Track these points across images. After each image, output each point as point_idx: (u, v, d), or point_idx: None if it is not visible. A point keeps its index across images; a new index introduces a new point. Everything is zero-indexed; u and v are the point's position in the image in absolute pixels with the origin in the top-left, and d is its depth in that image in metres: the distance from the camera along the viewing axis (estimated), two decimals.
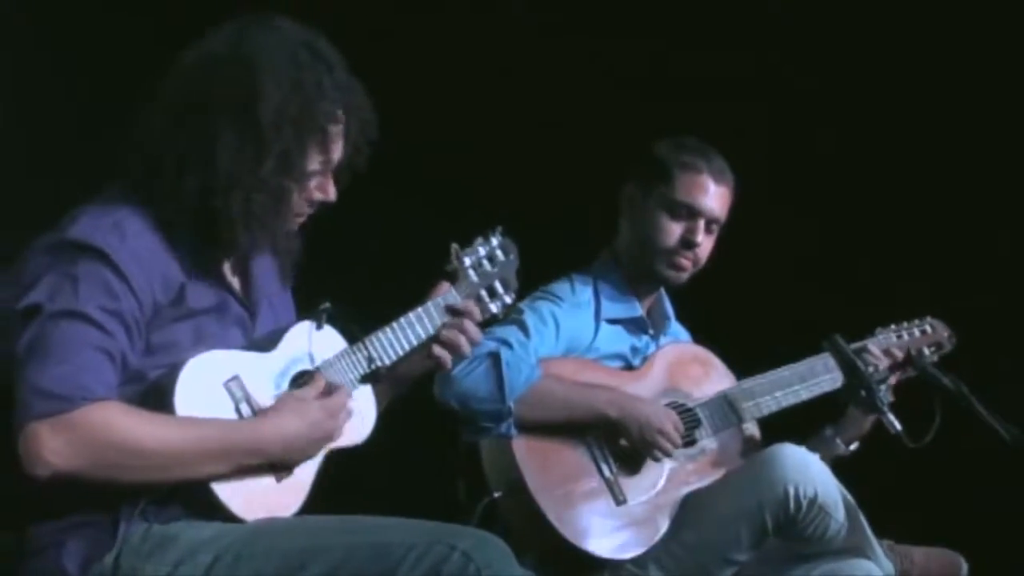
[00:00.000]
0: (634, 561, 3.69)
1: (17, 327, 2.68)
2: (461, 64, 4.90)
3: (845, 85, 5.14)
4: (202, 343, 2.79)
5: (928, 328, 4.11)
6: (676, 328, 4.01)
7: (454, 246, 3.12)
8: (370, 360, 2.96)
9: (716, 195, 3.83)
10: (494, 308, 3.18)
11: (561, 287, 3.82)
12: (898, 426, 3.78)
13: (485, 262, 3.15)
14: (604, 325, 3.80)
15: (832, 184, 5.17)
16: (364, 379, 2.97)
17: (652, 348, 3.93)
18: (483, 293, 3.16)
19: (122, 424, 2.66)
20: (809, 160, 5.15)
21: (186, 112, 2.78)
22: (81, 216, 2.76)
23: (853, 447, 3.94)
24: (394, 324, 3.01)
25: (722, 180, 3.84)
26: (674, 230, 3.80)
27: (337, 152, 2.87)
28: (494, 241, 3.18)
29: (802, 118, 5.09)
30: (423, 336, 3.04)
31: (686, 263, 3.83)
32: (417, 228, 4.80)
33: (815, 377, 3.93)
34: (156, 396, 2.71)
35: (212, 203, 2.76)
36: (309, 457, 2.85)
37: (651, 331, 3.93)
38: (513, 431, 3.62)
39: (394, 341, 3.00)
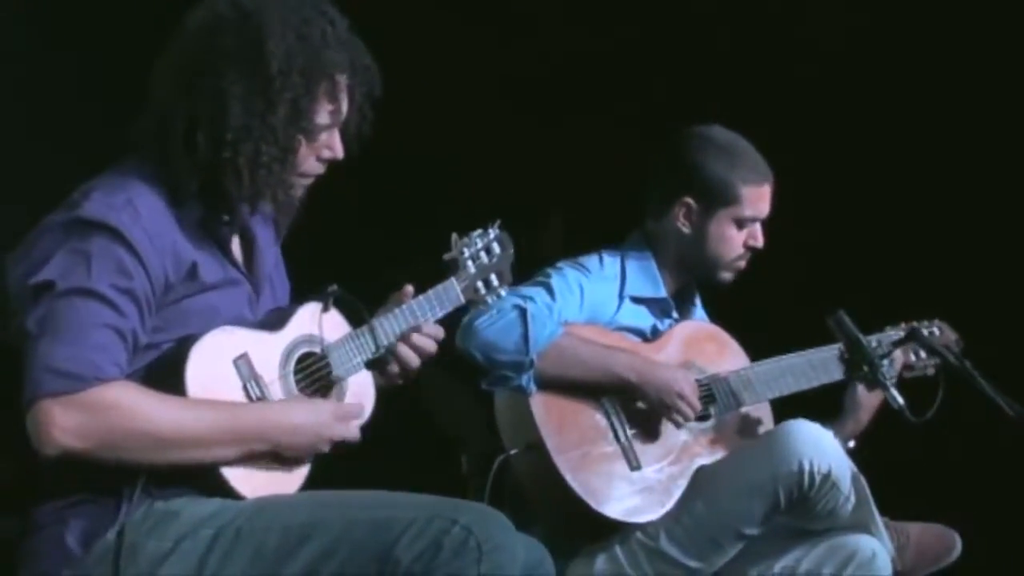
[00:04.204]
0: (645, 531, 3.70)
1: (28, 303, 2.67)
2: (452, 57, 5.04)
3: (865, 80, 5.20)
4: (213, 318, 2.80)
5: (936, 330, 4.14)
6: (701, 315, 4.07)
7: (454, 235, 3.14)
8: (377, 346, 2.98)
9: (770, 195, 3.92)
10: (489, 300, 3.21)
11: (589, 260, 3.88)
12: (901, 401, 3.80)
13: (483, 254, 3.17)
14: (627, 301, 3.86)
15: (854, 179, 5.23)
16: (369, 364, 2.99)
17: (669, 328, 3.97)
18: (479, 284, 3.18)
19: (133, 406, 2.66)
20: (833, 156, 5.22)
21: (195, 71, 2.79)
22: (94, 193, 2.76)
23: (851, 444, 3.96)
24: (398, 310, 3.03)
25: (771, 177, 3.92)
26: (740, 240, 3.89)
27: (345, 105, 2.87)
28: (491, 234, 3.20)
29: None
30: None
31: (745, 263, 3.94)
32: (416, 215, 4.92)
33: (824, 366, 3.97)
34: (168, 370, 2.73)
35: (222, 155, 2.77)
36: (313, 452, 2.85)
37: (675, 315, 3.97)
38: (532, 386, 3.65)
39: (403, 325, 3.03)
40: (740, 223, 3.87)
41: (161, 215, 2.77)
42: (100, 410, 2.62)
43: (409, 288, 3.07)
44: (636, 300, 3.90)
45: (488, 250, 3.19)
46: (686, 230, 3.89)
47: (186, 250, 2.78)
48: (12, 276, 2.72)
